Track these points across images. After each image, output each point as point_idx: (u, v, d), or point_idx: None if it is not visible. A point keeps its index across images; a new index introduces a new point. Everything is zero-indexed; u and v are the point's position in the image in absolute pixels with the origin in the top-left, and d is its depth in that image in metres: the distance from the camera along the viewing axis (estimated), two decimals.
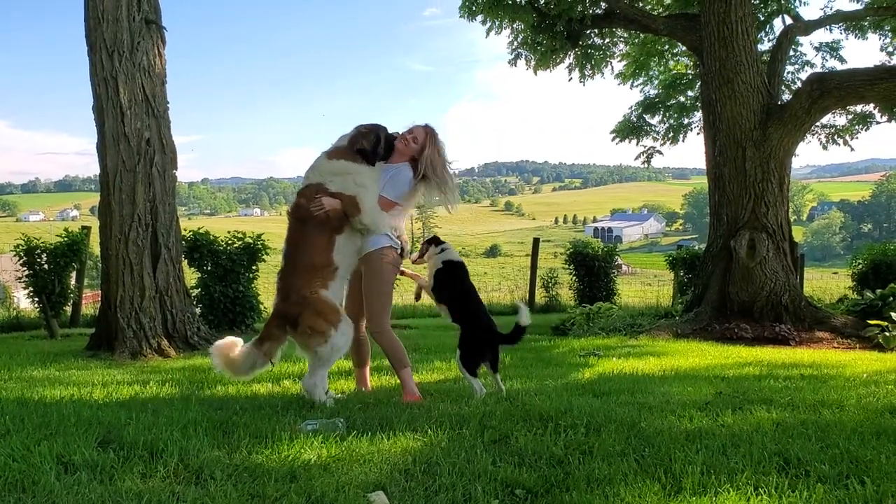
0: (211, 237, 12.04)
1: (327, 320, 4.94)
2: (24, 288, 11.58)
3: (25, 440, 3.63)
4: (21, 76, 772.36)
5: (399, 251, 5.26)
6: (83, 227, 12.70)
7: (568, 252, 17.71)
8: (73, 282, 12.20)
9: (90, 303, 14.63)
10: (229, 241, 12.20)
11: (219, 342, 5.18)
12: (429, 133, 5.27)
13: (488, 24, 14.53)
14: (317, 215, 5.02)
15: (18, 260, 11.35)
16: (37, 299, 11.50)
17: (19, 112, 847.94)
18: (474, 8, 14.40)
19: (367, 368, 5.57)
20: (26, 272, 11.35)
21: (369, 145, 5.21)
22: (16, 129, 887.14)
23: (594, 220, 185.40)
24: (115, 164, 9.04)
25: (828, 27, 15.02)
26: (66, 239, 11.56)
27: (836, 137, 16.21)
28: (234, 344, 5.13)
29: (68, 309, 12.72)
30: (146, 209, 9.13)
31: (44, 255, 11.37)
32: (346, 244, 5.13)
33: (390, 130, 5.40)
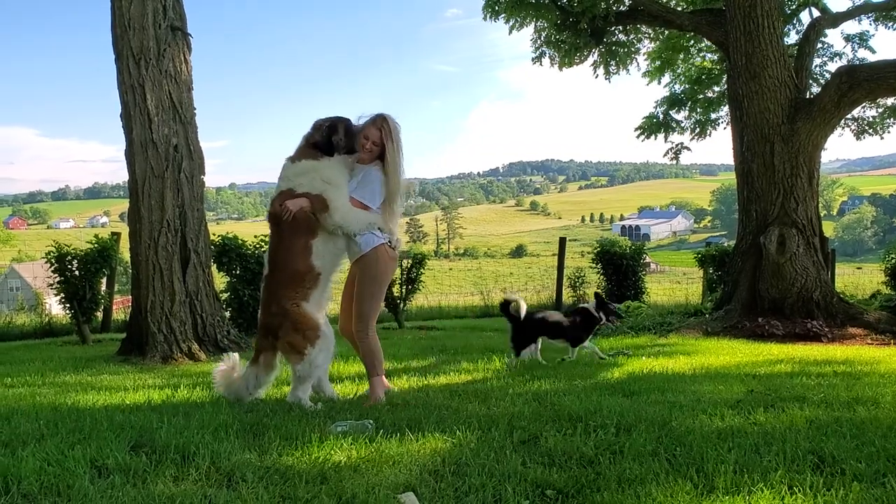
0: (239, 241, 12.12)
1: (305, 337, 5.00)
2: (56, 294, 11.71)
3: (60, 445, 3.68)
4: (49, 85, 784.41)
5: (388, 243, 5.18)
6: (113, 234, 12.83)
7: (595, 251, 17.58)
8: (103, 287, 12.33)
9: (121, 308, 14.79)
10: (257, 245, 12.27)
11: (219, 367, 5.34)
12: (381, 128, 5.11)
13: (511, 23, 14.51)
14: (288, 220, 5.01)
15: (50, 267, 11.48)
16: (68, 305, 11.63)
17: (48, 121, 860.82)
18: (497, 7, 14.37)
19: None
20: (58, 279, 11.48)
21: (322, 137, 5.16)
22: (45, 138, 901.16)
23: (621, 219, 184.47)
24: (143, 171, 9.13)
25: (857, 18, 14.80)
26: (96, 245, 11.67)
27: (867, 128, 15.95)
28: (231, 369, 5.30)
29: (99, 314, 12.86)
30: (175, 215, 9.21)
31: (75, 262, 11.48)
32: (324, 248, 5.12)
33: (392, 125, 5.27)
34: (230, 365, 5.35)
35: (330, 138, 5.13)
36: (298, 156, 5.21)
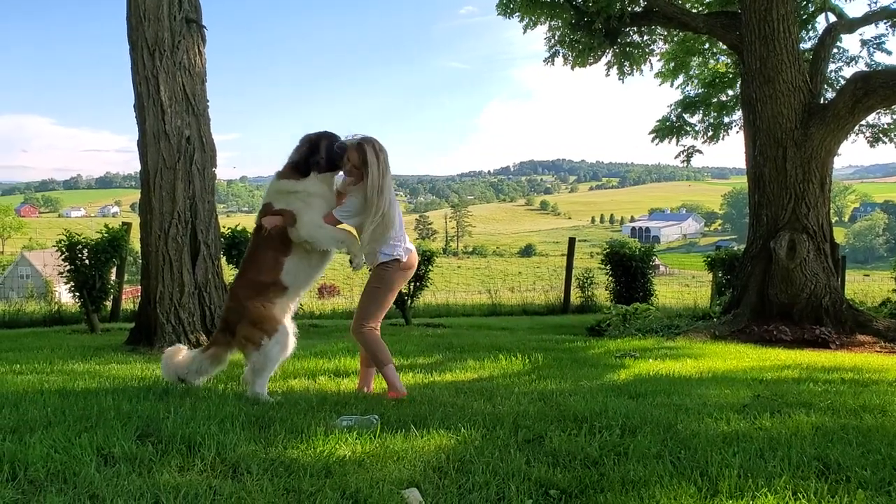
0: (249, 234, 12.14)
1: (263, 329, 5.02)
2: (66, 283, 11.77)
3: (67, 432, 3.70)
4: (64, 75, 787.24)
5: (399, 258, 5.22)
6: (124, 224, 12.88)
7: (604, 252, 17.56)
8: (113, 277, 12.38)
9: (130, 298, 14.86)
10: None
11: (166, 351, 5.46)
12: (360, 153, 5.04)
13: (525, 21, 14.50)
14: (266, 236, 5.09)
15: (60, 255, 11.54)
16: (78, 294, 11.68)
17: (62, 110, 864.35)
18: (511, 6, 14.36)
19: (373, 370, 5.52)
20: (68, 267, 11.53)
21: (300, 156, 5.15)
22: (59, 127, 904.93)
23: (631, 220, 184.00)
24: (155, 162, 9.16)
25: (874, 23, 14.71)
26: (106, 235, 11.72)
27: (882, 135, 15.84)
28: (178, 350, 5.41)
29: (108, 304, 12.91)
30: (186, 206, 9.23)
31: (85, 251, 11.53)
32: (297, 266, 5.16)
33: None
34: (175, 349, 5.47)
35: (308, 159, 5.12)
36: (283, 173, 5.23)
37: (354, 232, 5.26)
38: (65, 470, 3.14)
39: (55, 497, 2.87)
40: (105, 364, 7.38)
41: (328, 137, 5.17)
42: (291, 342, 5.21)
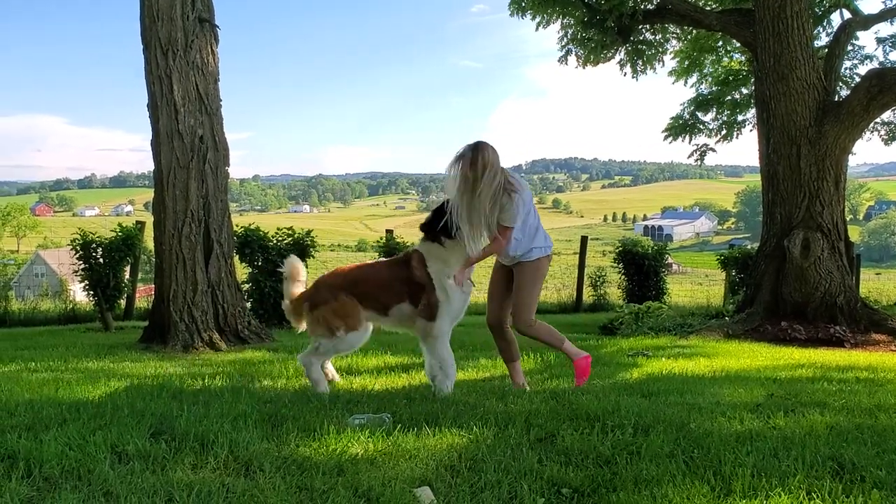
0: (261, 233, 12.19)
1: (344, 321, 5.10)
2: (80, 281, 11.83)
3: (81, 429, 3.72)
4: (78, 74, 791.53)
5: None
6: (137, 223, 12.94)
7: (617, 250, 17.51)
8: (127, 276, 12.44)
9: (144, 296, 14.93)
10: (279, 237, 12.35)
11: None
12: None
13: (537, 20, 14.48)
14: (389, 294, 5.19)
15: (75, 254, 11.61)
16: (92, 292, 11.75)
17: (76, 109, 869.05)
18: (523, 4, 14.35)
19: (519, 363, 5.86)
20: (82, 266, 11.60)
21: (429, 221, 5.32)
22: (73, 126, 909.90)
23: (644, 218, 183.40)
24: (168, 161, 9.20)
25: (889, 20, 14.62)
26: (120, 234, 11.78)
27: None
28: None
29: (122, 302, 12.98)
30: (199, 205, 9.27)
31: (99, 250, 11.60)
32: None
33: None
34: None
35: (434, 223, 5.25)
36: (428, 237, 5.31)
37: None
38: (79, 467, 3.15)
39: (70, 494, 2.89)
40: (119, 362, 7.42)
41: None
42: (361, 342, 5.32)
